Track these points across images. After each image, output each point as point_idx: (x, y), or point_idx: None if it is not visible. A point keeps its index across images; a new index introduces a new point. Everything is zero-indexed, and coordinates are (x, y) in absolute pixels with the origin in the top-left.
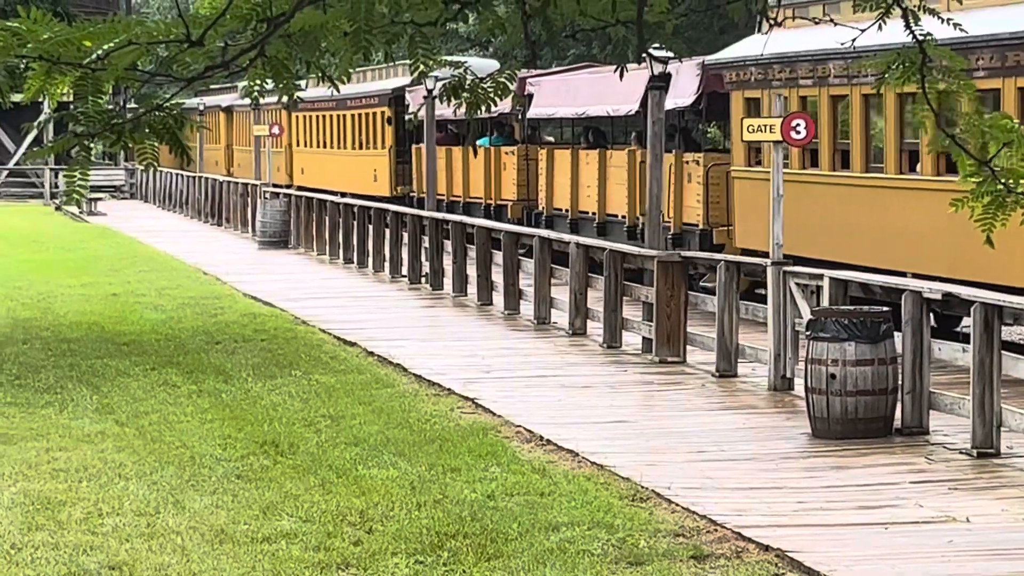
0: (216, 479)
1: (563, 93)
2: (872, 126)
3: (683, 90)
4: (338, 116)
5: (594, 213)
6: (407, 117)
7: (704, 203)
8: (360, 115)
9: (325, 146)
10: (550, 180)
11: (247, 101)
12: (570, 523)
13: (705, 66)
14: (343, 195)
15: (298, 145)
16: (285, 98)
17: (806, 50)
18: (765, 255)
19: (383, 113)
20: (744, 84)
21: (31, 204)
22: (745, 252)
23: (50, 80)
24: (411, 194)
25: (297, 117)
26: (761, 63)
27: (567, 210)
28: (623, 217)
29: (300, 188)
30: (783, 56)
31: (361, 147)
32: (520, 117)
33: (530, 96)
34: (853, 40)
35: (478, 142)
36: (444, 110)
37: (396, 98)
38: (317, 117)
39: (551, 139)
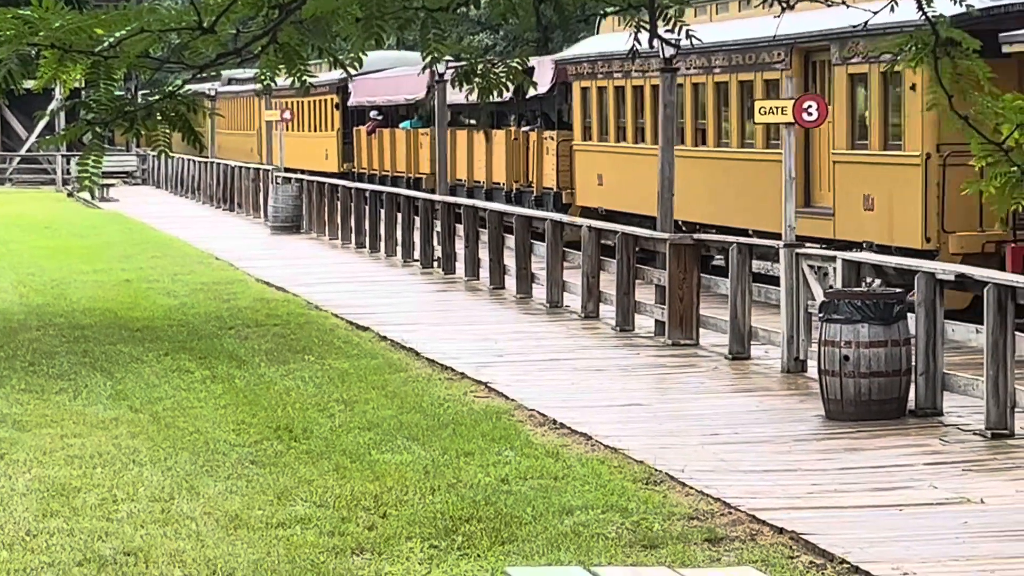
0: (230, 465)
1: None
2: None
3: (541, 80)
4: (297, 103)
5: (483, 182)
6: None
7: (556, 171)
8: (314, 102)
9: (288, 129)
10: (453, 156)
11: (229, 88)
12: (584, 507)
13: (557, 61)
14: (301, 172)
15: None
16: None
17: (616, 50)
18: (595, 212)
19: (332, 100)
20: (579, 76)
21: (43, 190)
22: (584, 209)
23: (62, 68)
24: (353, 170)
25: (266, 103)
26: (589, 60)
27: (465, 180)
28: (503, 184)
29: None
30: (603, 55)
31: (315, 130)
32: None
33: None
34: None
35: (401, 125)
36: (372, 97)
37: (342, 87)
38: (282, 103)
39: (472, 122)
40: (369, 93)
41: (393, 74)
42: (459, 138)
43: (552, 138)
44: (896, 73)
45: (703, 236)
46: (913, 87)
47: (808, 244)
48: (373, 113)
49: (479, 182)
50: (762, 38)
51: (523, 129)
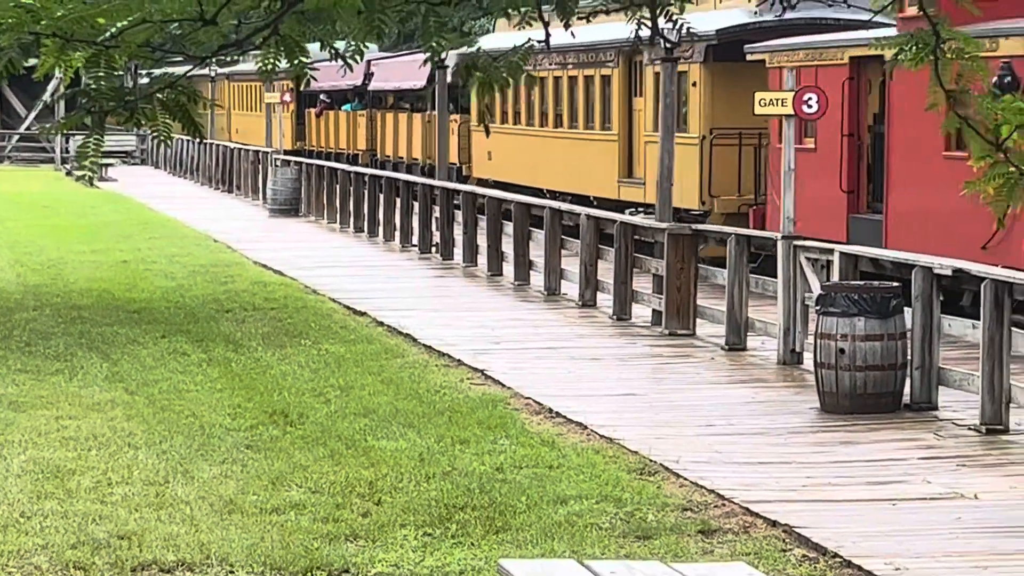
0: (225, 449)
1: (392, 72)
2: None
3: (452, 70)
4: (259, 86)
5: (405, 158)
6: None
7: (458, 148)
8: (272, 86)
9: (249, 110)
10: (383, 136)
11: (204, 72)
12: (578, 496)
13: (460, 56)
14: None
15: (235, 109)
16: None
17: (502, 47)
18: (485, 182)
19: (287, 84)
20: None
21: (42, 168)
22: (480, 180)
23: (63, 56)
24: (303, 147)
25: (233, 87)
26: (492, 54)
27: (391, 156)
28: (420, 159)
29: (236, 142)
30: (490, 51)
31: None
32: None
33: (372, 73)
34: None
35: (343, 108)
36: (320, 83)
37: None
38: (246, 87)
39: (407, 106)
40: (318, 78)
41: (338, 62)
42: (387, 120)
43: (456, 120)
44: (684, 73)
45: (702, 226)
46: (695, 84)
47: (629, 209)
48: (322, 97)
49: (402, 158)
50: (600, 42)
51: (435, 113)
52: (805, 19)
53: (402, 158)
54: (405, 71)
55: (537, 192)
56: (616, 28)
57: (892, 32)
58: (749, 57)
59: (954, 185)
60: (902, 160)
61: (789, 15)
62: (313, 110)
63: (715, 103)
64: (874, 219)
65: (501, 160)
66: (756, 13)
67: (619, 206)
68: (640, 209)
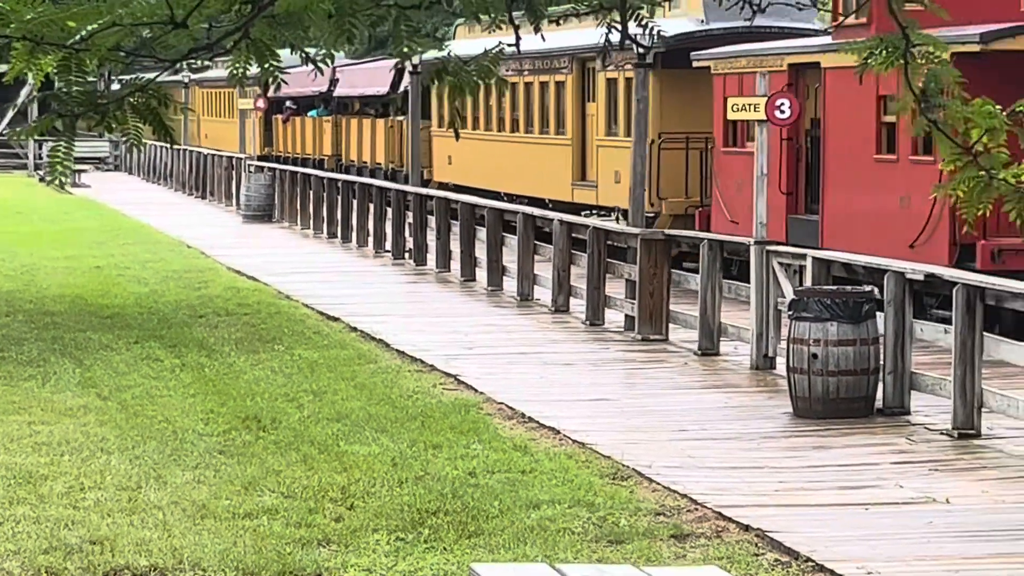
0: (198, 454)
1: (357, 78)
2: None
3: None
4: (227, 92)
5: (368, 162)
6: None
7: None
8: (238, 91)
9: (219, 115)
10: (347, 141)
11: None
12: (551, 501)
13: (423, 62)
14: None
15: (204, 115)
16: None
17: (462, 54)
18: (445, 185)
19: (254, 90)
20: None
21: (15, 175)
22: (441, 184)
23: (33, 60)
24: (271, 153)
25: (204, 93)
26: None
27: (355, 160)
28: (383, 164)
29: (207, 147)
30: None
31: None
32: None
33: (337, 80)
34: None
35: (309, 114)
36: (287, 89)
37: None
38: (215, 93)
39: (372, 111)
40: (284, 85)
41: (304, 69)
42: (352, 126)
43: (418, 126)
44: (631, 79)
45: (674, 232)
46: None
47: (584, 211)
48: (288, 103)
49: (366, 162)
50: (554, 49)
51: (398, 118)
52: (749, 28)
53: (366, 163)
54: (370, 77)
55: (495, 195)
56: (570, 35)
57: (828, 40)
58: (695, 64)
59: (883, 187)
60: (836, 163)
61: (728, 24)
62: (280, 116)
63: (663, 108)
64: (811, 220)
65: (461, 164)
66: (702, 21)
67: (573, 208)
68: (593, 212)
